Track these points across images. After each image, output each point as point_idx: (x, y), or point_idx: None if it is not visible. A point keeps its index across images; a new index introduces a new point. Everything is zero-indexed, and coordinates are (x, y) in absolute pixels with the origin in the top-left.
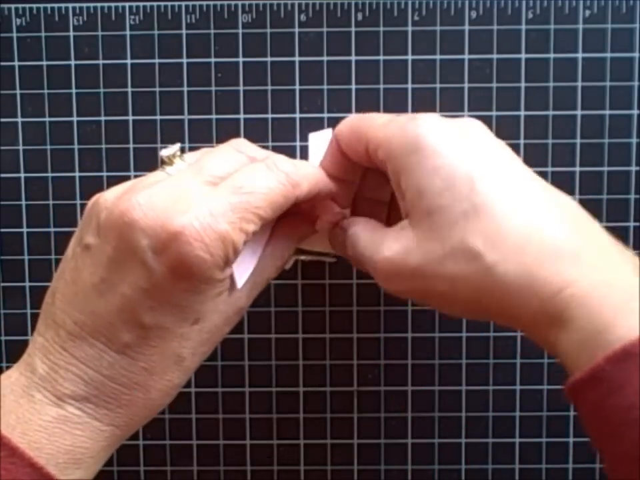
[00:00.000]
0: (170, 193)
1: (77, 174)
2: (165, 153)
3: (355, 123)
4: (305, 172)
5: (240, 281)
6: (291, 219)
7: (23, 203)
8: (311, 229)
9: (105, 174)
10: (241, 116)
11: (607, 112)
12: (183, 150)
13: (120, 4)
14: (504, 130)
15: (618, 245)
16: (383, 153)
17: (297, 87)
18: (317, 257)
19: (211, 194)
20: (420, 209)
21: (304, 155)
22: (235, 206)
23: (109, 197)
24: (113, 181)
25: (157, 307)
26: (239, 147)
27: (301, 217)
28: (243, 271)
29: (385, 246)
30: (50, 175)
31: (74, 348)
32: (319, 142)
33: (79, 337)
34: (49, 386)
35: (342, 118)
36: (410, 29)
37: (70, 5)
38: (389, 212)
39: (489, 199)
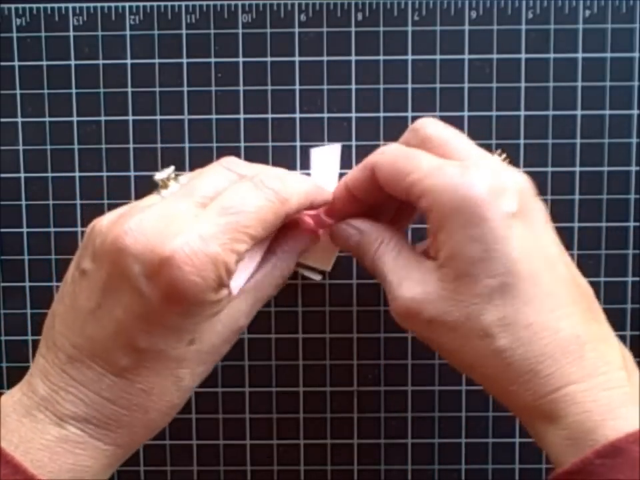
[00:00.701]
0: (161, 217)
1: (76, 174)
2: (158, 176)
3: (399, 161)
4: (293, 187)
5: (235, 288)
6: (292, 234)
7: (23, 203)
8: (311, 243)
9: (104, 174)
10: (241, 116)
11: (607, 112)
12: (176, 173)
13: (120, 4)
14: (504, 130)
15: (618, 343)
16: (427, 203)
17: (297, 87)
18: (304, 271)
19: (201, 216)
20: (451, 268)
21: (303, 155)
22: (224, 227)
23: (104, 223)
24: (113, 181)
25: (151, 331)
26: (229, 166)
27: (302, 231)
28: (239, 278)
29: (408, 284)
30: (50, 175)
31: (73, 370)
32: (322, 157)
33: (77, 360)
34: (49, 406)
35: (342, 118)
36: (410, 28)
37: (70, 5)
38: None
39: (517, 287)
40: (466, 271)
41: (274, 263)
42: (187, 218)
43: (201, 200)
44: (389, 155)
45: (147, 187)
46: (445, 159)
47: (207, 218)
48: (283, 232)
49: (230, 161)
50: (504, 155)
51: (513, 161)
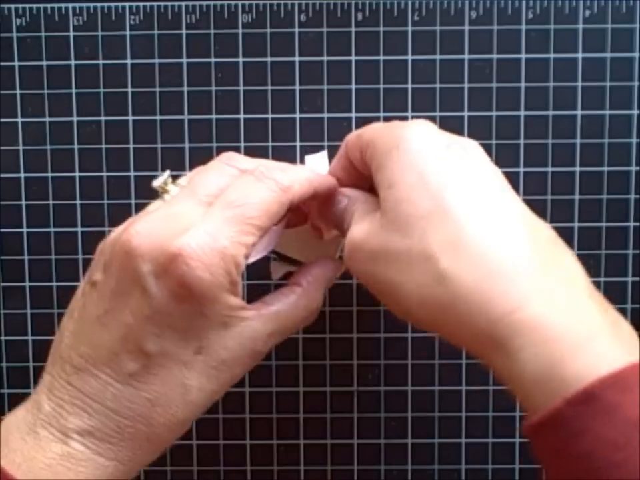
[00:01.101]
0: (166, 218)
1: (76, 174)
2: (156, 183)
3: (360, 130)
4: (295, 174)
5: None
6: (317, 264)
7: (23, 202)
8: (337, 271)
9: (104, 174)
10: (241, 116)
11: (607, 112)
12: (174, 176)
13: (120, 4)
14: (504, 130)
15: (590, 284)
16: (370, 152)
17: (297, 87)
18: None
19: (206, 213)
20: (390, 198)
21: (303, 155)
22: (230, 220)
23: (112, 236)
24: (113, 181)
25: (159, 333)
26: (229, 161)
27: (326, 260)
28: (254, 251)
29: (356, 227)
30: (50, 175)
31: (78, 381)
32: (315, 164)
33: (83, 369)
34: (54, 421)
35: (342, 118)
36: (410, 28)
37: (70, 5)
38: None
39: (456, 205)
40: (405, 195)
41: (299, 294)
42: (193, 216)
43: (205, 198)
44: (354, 131)
45: (147, 187)
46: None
47: (212, 214)
48: (308, 264)
49: (229, 156)
50: None
51: None
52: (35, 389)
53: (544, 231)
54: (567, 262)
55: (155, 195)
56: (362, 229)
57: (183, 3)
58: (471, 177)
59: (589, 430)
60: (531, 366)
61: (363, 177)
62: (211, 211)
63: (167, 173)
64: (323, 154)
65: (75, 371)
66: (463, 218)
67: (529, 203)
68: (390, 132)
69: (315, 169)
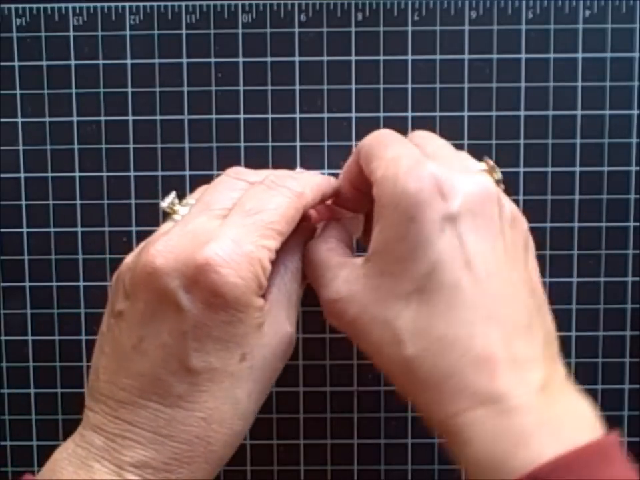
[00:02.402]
0: (185, 233)
1: (77, 174)
2: (164, 204)
3: (373, 146)
4: (305, 180)
5: None
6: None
7: (23, 202)
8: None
9: (104, 174)
10: (241, 116)
11: (607, 112)
12: (175, 176)
13: (120, 4)
14: (504, 130)
15: (557, 362)
16: (374, 193)
17: (297, 87)
18: None
19: (225, 223)
20: (377, 263)
21: (304, 155)
22: (251, 227)
23: (128, 260)
24: (113, 181)
25: (201, 348)
26: (237, 175)
27: (301, 225)
28: None
29: (333, 284)
30: (50, 175)
31: (127, 414)
32: None
33: (129, 402)
34: (107, 455)
35: (342, 118)
36: (410, 28)
37: (70, 5)
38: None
39: (438, 292)
40: (389, 269)
41: (284, 263)
42: (211, 229)
43: (219, 212)
44: (370, 140)
45: (147, 187)
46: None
47: (231, 223)
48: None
49: (236, 171)
50: (494, 166)
51: (499, 176)
52: (78, 429)
53: (528, 314)
54: (533, 351)
55: (165, 216)
56: (341, 293)
57: (183, 3)
58: (462, 262)
59: None
60: (476, 460)
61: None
62: (229, 221)
63: (173, 193)
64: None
65: (120, 405)
66: (439, 308)
67: (529, 202)
68: (396, 178)
69: None
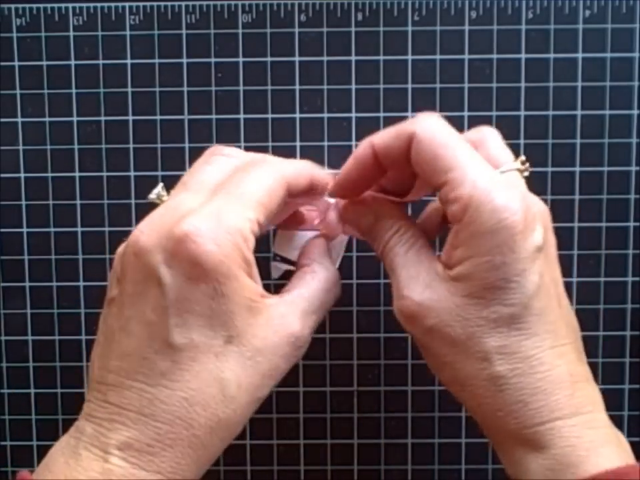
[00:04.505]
0: (166, 211)
1: (76, 174)
2: (152, 195)
3: (440, 148)
4: (292, 162)
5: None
6: (316, 242)
7: (23, 202)
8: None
9: (104, 174)
10: (241, 116)
11: (607, 112)
12: (174, 177)
13: (120, 4)
14: (504, 130)
15: (592, 381)
16: (459, 212)
17: (297, 87)
18: None
19: (206, 200)
20: (464, 285)
21: (304, 155)
22: (231, 200)
23: (119, 250)
24: (113, 181)
25: (182, 323)
26: (214, 150)
27: (322, 236)
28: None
29: (415, 286)
30: (50, 175)
31: (114, 396)
32: None
33: (117, 384)
34: (95, 441)
35: (342, 118)
36: (410, 28)
37: (70, 5)
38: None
39: (527, 318)
40: (478, 293)
41: (311, 271)
42: (191, 204)
43: (197, 186)
44: (432, 134)
45: (147, 187)
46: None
47: (212, 199)
48: (305, 247)
49: (213, 148)
50: (527, 164)
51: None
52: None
53: (579, 338)
54: (589, 372)
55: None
56: (423, 297)
57: (183, 3)
58: (547, 290)
59: None
60: (550, 464)
61: (406, 174)
62: (211, 198)
63: (160, 185)
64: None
65: (109, 388)
66: (526, 332)
67: None
68: (493, 208)
69: None
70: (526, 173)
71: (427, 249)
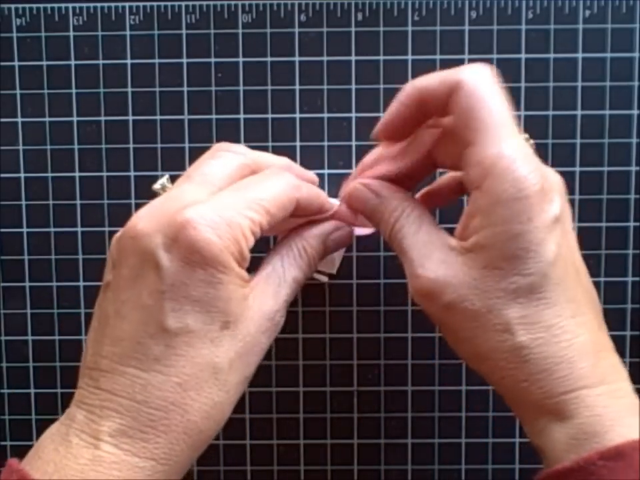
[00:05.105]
0: (167, 199)
1: (76, 174)
2: (156, 186)
3: (478, 100)
4: (309, 186)
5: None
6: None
7: (23, 203)
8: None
9: (104, 174)
10: (241, 116)
11: (607, 112)
12: (173, 177)
13: (120, 4)
14: None
15: (614, 350)
16: (479, 179)
17: (297, 87)
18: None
19: (209, 191)
20: (481, 256)
21: (304, 155)
22: (238, 198)
23: (116, 235)
24: (113, 181)
25: (179, 308)
26: (220, 146)
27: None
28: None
29: (430, 264)
30: (50, 175)
31: (106, 382)
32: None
33: (110, 370)
34: (86, 428)
35: (342, 118)
36: (410, 28)
37: (70, 5)
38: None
39: (547, 287)
40: (496, 264)
41: (289, 245)
42: (193, 195)
43: (199, 178)
44: (473, 85)
45: (147, 187)
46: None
47: (219, 195)
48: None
49: (219, 144)
50: (531, 141)
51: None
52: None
53: (598, 307)
54: (610, 341)
55: (155, 196)
56: (439, 273)
57: (183, 3)
58: (565, 259)
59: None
60: (575, 433)
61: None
62: (219, 194)
63: (166, 175)
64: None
65: (101, 374)
66: (547, 301)
67: None
68: (514, 177)
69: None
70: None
71: (435, 227)
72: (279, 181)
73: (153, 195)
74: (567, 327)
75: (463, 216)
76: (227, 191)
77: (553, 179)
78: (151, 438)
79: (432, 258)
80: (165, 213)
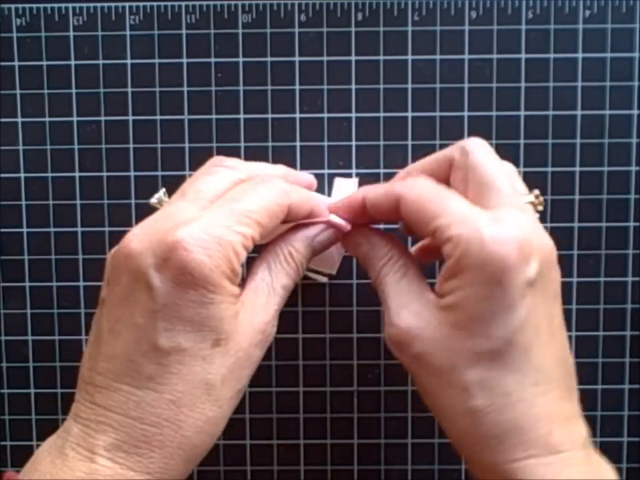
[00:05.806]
0: (161, 218)
1: (76, 174)
2: (153, 200)
3: (428, 202)
4: (298, 189)
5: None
6: (299, 227)
7: (23, 203)
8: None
9: (104, 174)
10: (241, 116)
11: (607, 112)
12: (173, 177)
13: (120, 4)
14: (504, 130)
15: (583, 420)
16: (450, 249)
17: (297, 87)
18: (311, 274)
19: (203, 210)
20: (452, 315)
21: (304, 155)
22: (226, 213)
23: (111, 252)
24: (113, 181)
25: (171, 328)
26: (214, 161)
27: (309, 223)
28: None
29: (405, 314)
30: (50, 175)
31: (101, 398)
32: (343, 187)
33: (104, 386)
34: (81, 441)
35: (342, 118)
36: (410, 28)
37: (70, 5)
38: None
39: (511, 354)
40: (464, 324)
41: (276, 253)
42: (187, 213)
43: (193, 195)
44: (418, 193)
45: (147, 187)
46: (479, 190)
47: (209, 211)
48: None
49: (214, 159)
50: (540, 198)
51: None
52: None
53: (570, 375)
54: (575, 409)
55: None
56: (411, 324)
57: (183, 3)
58: (535, 326)
59: None
60: None
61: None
62: (209, 209)
63: (163, 190)
64: (354, 182)
65: (97, 390)
66: (509, 368)
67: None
68: (481, 241)
69: (342, 192)
70: (540, 207)
71: (418, 279)
72: (267, 189)
73: (152, 208)
74: (525, 395)
75: (439, 276)
76: (216, 206)
77: (537, 242)
78: (146, 453)
79: (408, 308)
80: (157, 232)
